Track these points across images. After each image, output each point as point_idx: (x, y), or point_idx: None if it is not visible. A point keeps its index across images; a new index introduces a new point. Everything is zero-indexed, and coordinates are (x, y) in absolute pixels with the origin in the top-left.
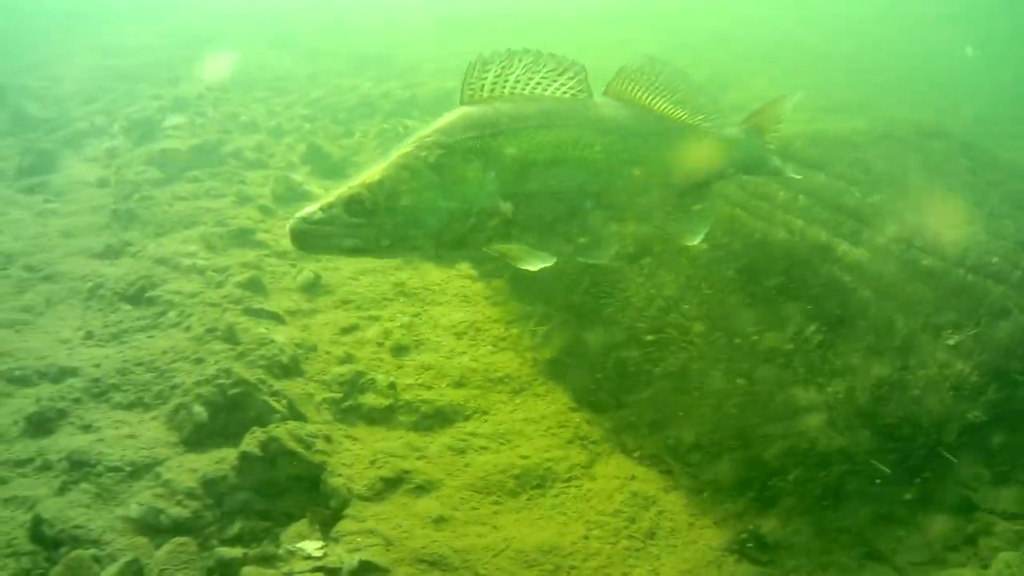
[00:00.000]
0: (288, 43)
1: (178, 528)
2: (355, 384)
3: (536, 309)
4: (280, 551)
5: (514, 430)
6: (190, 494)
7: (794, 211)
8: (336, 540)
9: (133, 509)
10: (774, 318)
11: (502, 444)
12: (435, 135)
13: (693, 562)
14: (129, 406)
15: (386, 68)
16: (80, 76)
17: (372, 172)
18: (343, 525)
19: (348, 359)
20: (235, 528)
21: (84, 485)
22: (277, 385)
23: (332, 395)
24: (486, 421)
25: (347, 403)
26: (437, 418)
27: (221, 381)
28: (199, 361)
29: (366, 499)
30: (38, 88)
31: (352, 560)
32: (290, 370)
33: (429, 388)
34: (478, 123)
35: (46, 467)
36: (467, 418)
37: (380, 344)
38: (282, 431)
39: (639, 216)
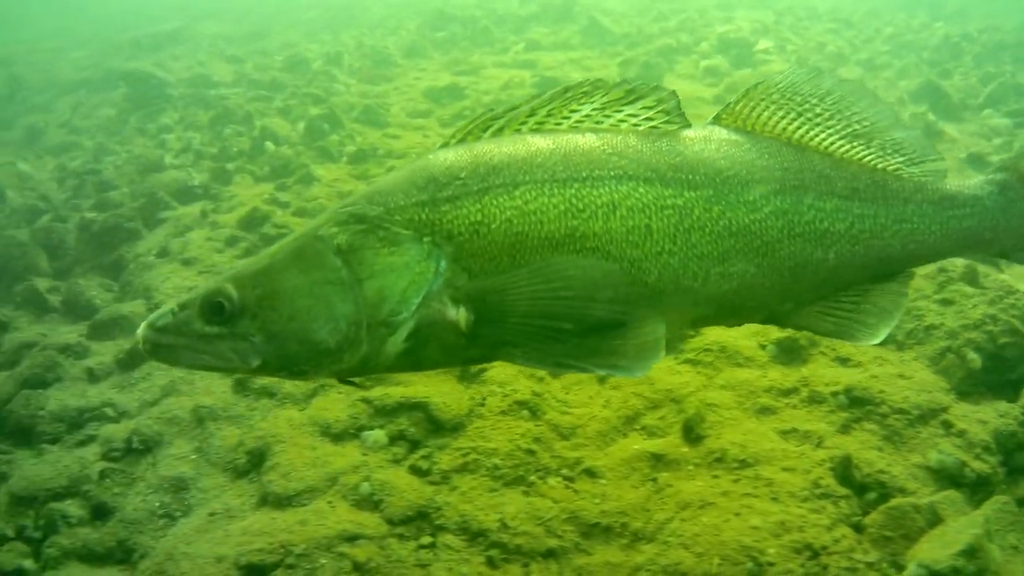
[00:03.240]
0: None
1: (979, 484)
2: None
3: None
4: None
5: None
6: (986, 448)
7: None
8: None
9: (933, 458)
10: None
11: None
12: (359, 202)
13: None
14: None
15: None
16: None
17: (257, 258)
18: None
19: None
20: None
21: (869, 425)
22: None
23: None
24: None
25: None
26: None
27: (989, 328)
28: (947, 303)
29: None
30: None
31: None
32: None
33: None
34: (434, 179)
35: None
36: None
37: None
38: None
39: (758, 312)
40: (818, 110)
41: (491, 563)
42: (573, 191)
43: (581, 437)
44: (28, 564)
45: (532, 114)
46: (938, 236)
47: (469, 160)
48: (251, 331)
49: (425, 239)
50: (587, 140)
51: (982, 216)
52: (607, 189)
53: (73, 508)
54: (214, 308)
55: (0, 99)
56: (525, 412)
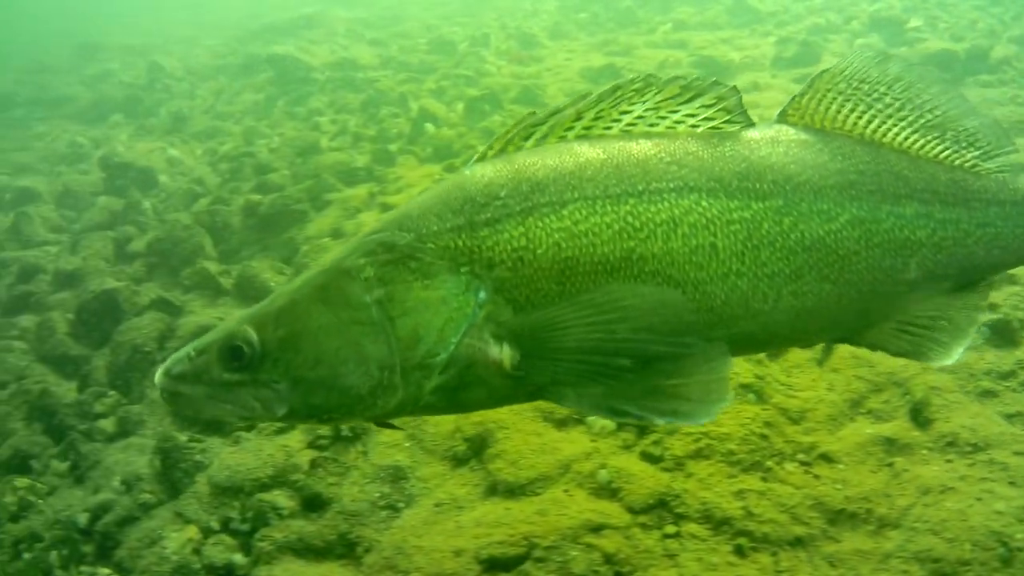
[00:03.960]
0: None
1: None
2: None
3: None
4: None
5: None
6: None
7: None
8: None
9: None
10: None
11: None
12: (389, 227)
13: None
14: None
15: None
16: None
17: (278, 293)
18: None
19: None
20: None
21: None
22: None
23: None
24: None
25: None
26: None
27: None
28: None
29: None
30: None
31: None
32: None
33: None
34: (471, 199)
35: None
36: None
37: None
38: None
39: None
40: (887, 100)
41: (739, 552)
42: (628, 208)
43: (812, 421)
44: (238, 558)
45: (578, 118)
46: (1023, 240)
47: (510, 176)
48: (274, 377)
49: (463, 269)
50: (641, 147)
51: None
52: (666, 204)
53: (282, 499)
54: (233, 353)
55: (141, 88)
56: (751, 396)
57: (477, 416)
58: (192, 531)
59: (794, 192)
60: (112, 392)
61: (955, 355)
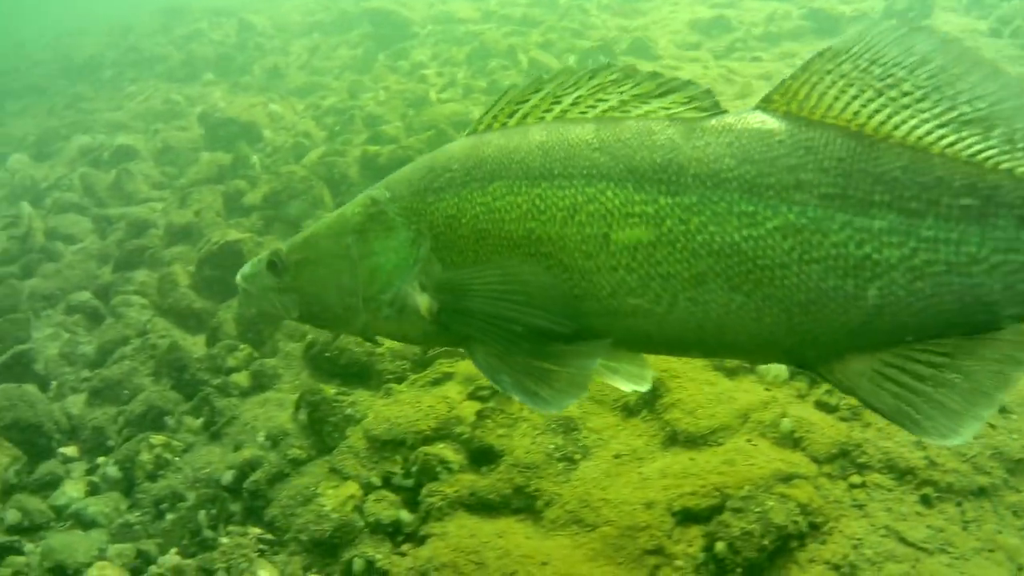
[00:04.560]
0: None
1: None
2: None
3: None
4: None
5: None
6: None
7: None
8: None
9: None
10: None
11: None
12: (380, 187)
13: None
14: None
15: None
16: None
17: (311, 225)
18: None
19: None
20: None
21: None
22: None
23: None
24: None
25: None
26: None
27: None
28: None
29: None
30: None
31: None
32: None
33: None
34: (432, 169)
35: None
36: None
37: None
38: None
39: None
40: (906, 87)
41: (926, 502)
42: (540, 191)
43: None
44: (404, 515)
45: (557, 101)
46: None
47: (467, 151)
48: (291, 288)
49: (412, 227)
50: (580, 132)
51: None
52: (572, 191)
53: (449, 452)
54: (272, 265)
55: (232, 46)
56: None
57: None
58: (352, 487)
59: (715, 189)
60: (244, 345)
61: (965, 432)
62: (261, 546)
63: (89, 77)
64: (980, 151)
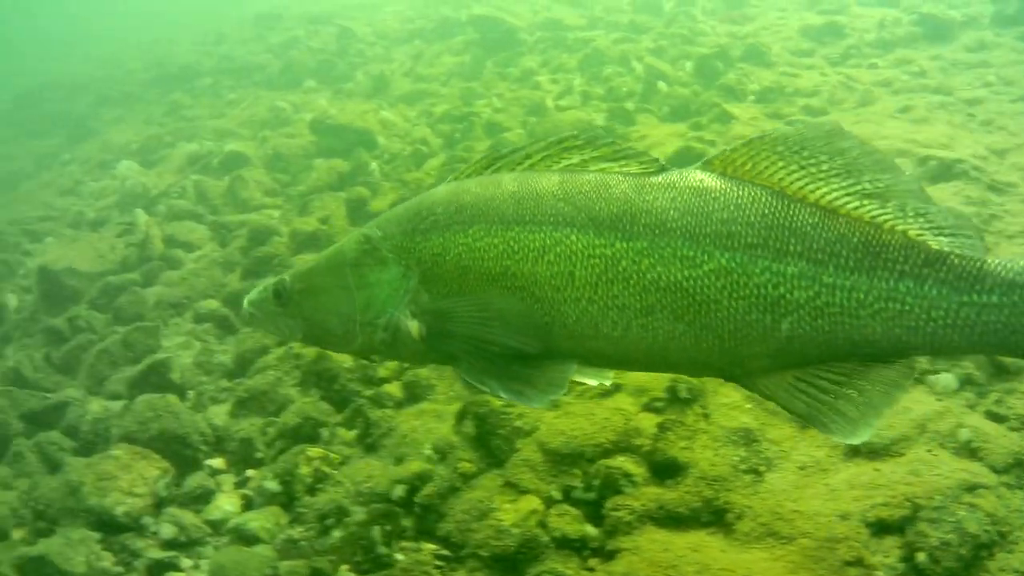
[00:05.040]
0: None
1: None
2: None
3: None
4: None
5: None
6: None
7: None
8: None
9: None
10: None
11: None
12: (373, 226)
13: None
14: None
15: None
16: None
17: (312, 258)
18: None
19: None
20: None
21: None
22: None
23: None
24: None
25: None
26: None
27: None
28: None
29: None
30: None
31: None
32: None
33: None
34: (418, 212)
35: None
36: None
37: None
38: None
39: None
40: (824, 166)
41: None
42: (513, 234)
43: None
44: (589, 530)
45: (528, 158)
46: (940, 326)
47: (448, 197)
48: (295, 313)
49: (403, 263)
50: (548, 183)
51: (1015, 310)
52: (542, 235)
53: (631, 465)
54: (277, 293)
55: (333, 53)
56: None
57: None
58: (534, 501)
59: (662, 236)
60: None
61: (860, 434)
62: (438, 562)
63: (185, 85)
64: (878, 215)
